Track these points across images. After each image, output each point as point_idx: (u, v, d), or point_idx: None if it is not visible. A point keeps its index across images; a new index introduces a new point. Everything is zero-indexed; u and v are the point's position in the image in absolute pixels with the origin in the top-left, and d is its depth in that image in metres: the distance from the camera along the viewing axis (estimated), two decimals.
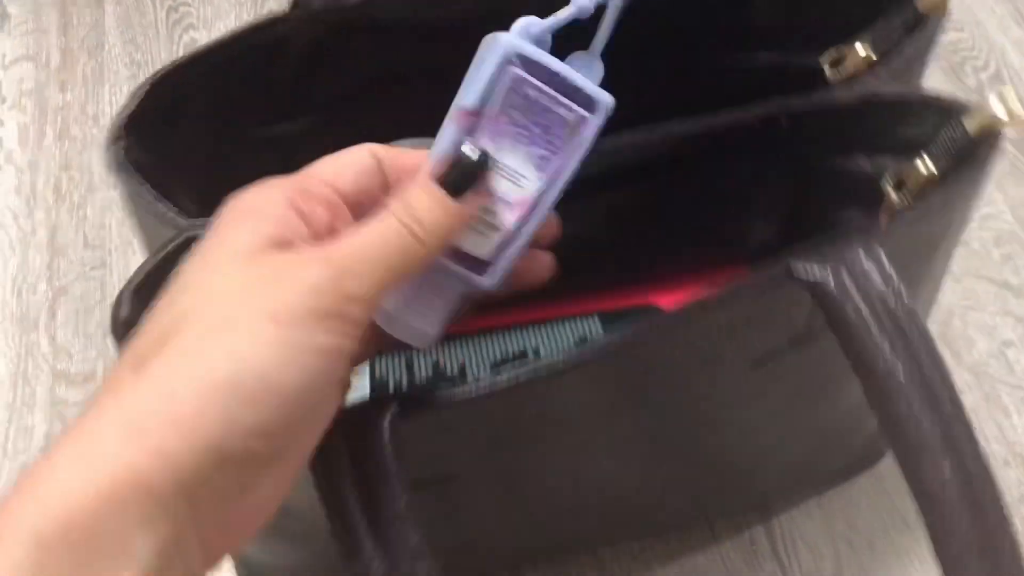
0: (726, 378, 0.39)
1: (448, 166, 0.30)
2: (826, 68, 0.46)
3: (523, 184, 0.31)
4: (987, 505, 0.30)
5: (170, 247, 0.33)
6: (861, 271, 0.32)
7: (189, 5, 0.83)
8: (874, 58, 0.43)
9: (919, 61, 0.43)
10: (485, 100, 0.30)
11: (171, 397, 0.23)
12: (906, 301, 0.31)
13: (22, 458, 0.58)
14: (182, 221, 0.34)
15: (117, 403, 0.24)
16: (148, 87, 0.38)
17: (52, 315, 0.64)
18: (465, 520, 0.42)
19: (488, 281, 0.32)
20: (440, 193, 0.29)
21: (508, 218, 0.32)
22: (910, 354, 0.30)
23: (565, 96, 0.31)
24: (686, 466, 0.45)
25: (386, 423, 0.30)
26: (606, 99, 0.31)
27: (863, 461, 0.56)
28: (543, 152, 0.31)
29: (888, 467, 0.58)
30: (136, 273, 0.33)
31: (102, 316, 0.64)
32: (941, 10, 0.42)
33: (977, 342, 0.61)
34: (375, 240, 0.28)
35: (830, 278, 0.32)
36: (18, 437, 0.59)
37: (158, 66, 0.38)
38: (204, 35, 0.80)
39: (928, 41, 0.42)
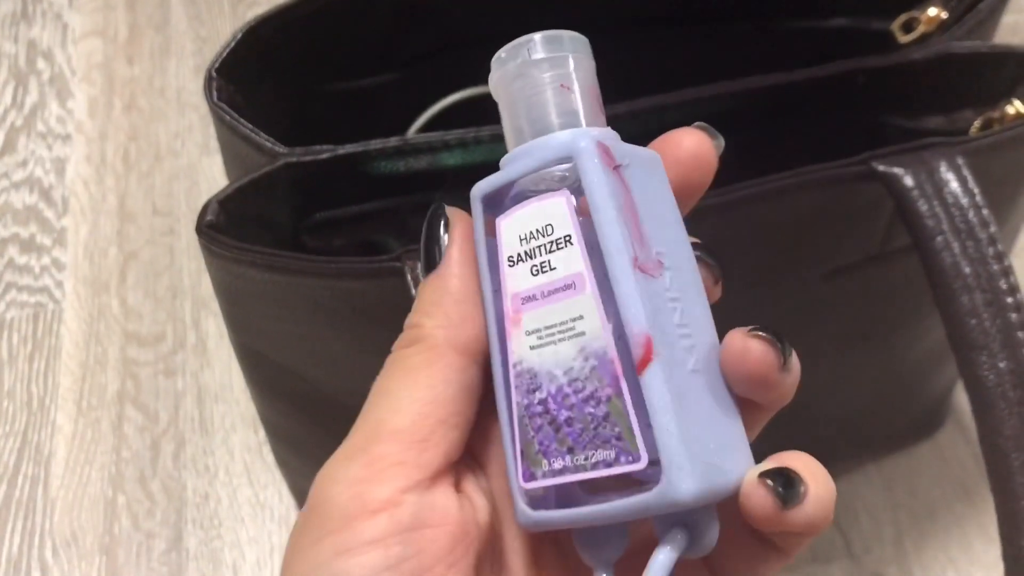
0: (796, 284, 0.39)
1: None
2: (896, 32, 0.46)
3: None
4: None
5: (263, 171, 0.35)
6: (940, 175, 0.33)
7: None
8: (945, 17, 0.43)
9: (992, 18, 0.43)
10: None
11: None
12: (983, 211, 0.32)
13: (95, 414, 0.60)
14: (281, 149, 0.35)
15: None
16: (240, 36, 0.39)
17: (123, 279, 0.66)
18: None
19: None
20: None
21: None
22: (980, 256, 0.31)
23: None
24: None
25: None
26: None
27: (922, 428, 0.56)
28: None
29: (948, 437, 0.58)
30: (226, 187, 0.34)
31: (171, 280, 0.66)
32: None
33: None
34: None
35: (908, 175, 0.33)
36: (91, 394, 0.61)
37: (223, 42, 0.39)
38: None
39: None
